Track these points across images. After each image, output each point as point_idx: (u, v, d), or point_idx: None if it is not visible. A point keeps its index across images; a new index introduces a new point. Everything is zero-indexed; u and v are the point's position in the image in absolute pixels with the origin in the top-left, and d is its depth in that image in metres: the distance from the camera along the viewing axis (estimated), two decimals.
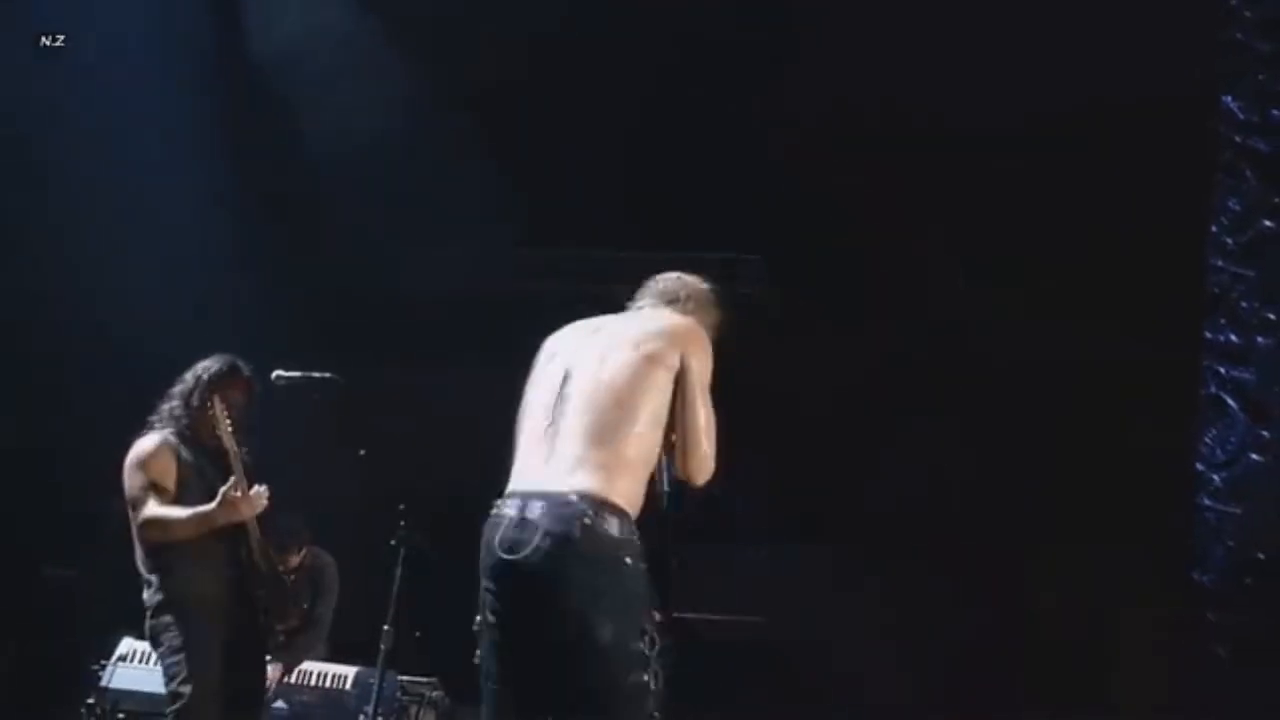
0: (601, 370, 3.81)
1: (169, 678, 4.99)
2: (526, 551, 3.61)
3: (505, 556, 3.65)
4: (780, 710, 7.09)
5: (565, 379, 3.85)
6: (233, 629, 5.04)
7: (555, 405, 3.81)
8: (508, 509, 3.72)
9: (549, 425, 3.78)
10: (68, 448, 7.37)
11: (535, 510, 3.65)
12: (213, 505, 4.97)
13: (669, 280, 4.24)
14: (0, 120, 7.43)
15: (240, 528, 5.07)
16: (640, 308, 4.19)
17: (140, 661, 6.06)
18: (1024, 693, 7.01)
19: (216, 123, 7.78)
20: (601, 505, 3.64)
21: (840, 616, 7.20)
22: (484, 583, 3.75)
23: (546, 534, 3.61)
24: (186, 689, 4.92)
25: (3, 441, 7.99)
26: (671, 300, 4.15)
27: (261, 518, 5.18)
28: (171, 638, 4.99)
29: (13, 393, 7.77)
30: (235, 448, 5.03)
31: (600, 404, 3.75)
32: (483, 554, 3.74)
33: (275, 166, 7.89)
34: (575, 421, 3.75)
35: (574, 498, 3.64)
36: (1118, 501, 7.19)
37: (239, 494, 4.97)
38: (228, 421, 5.03)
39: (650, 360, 3.80)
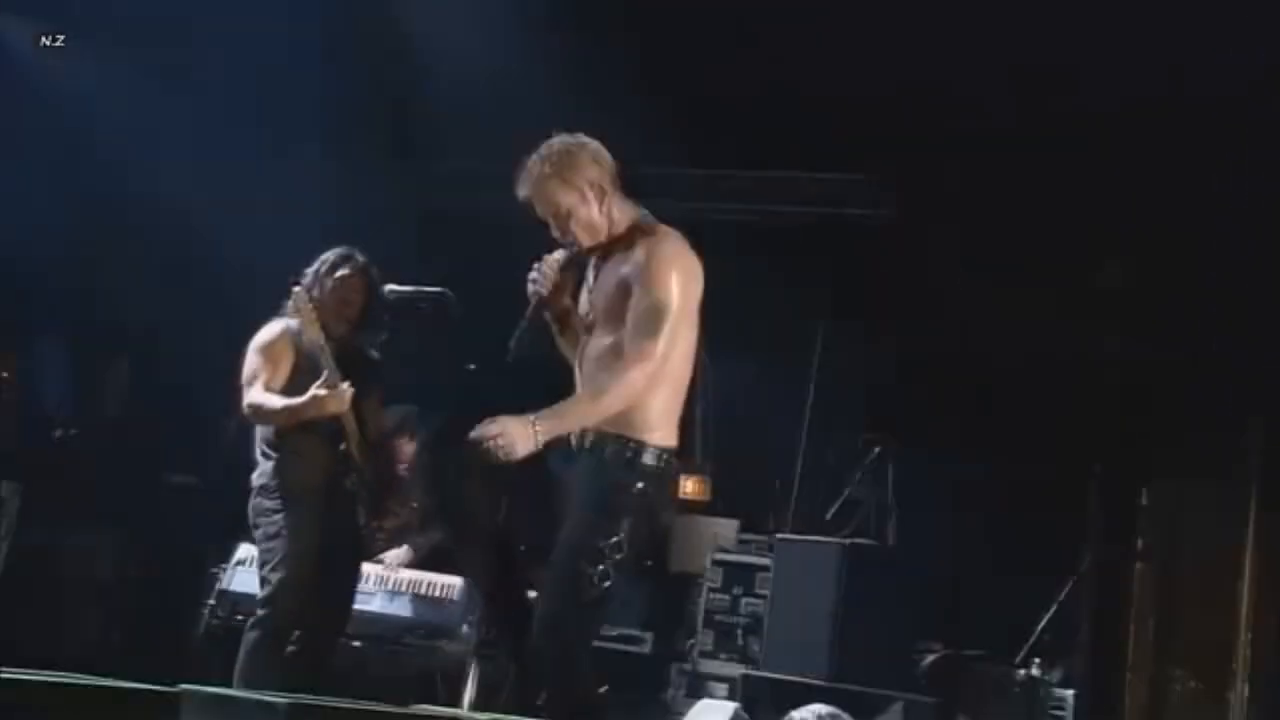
0: None
1: (261, 563, 5.11)
2: None
3: None
4: None
5: None
6: (330, 522, 5.12)
7: None
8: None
9: None
10: (191, 359, 7.54)
11: None
12: (302, 399, 5.02)
13: None
14: None
15: (338, 422, 5.11)
16: None
17: (249, 565, 6.13)
18: None
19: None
20: None
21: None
22: (650, 525, 4.08)
23: None
24: (276, 575, 5.02)
25: (130, 358, 8.29)
26: None
27: (368, 417, 5.24)
28: (268, 523, 5.09)
29: (140, 311, 8.00)
30: (324, 343, 5.04)
31: None
32: (662, 501, 4.08)
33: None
34: None
35: None
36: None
37: (327, 390, 4.99)
38: (314, 316, 5.05)
39: None
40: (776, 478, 7.98)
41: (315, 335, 5.05)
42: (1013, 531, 7.24)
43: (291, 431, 5.12)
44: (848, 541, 6.90)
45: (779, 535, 7.20)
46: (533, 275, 4.10)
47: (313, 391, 5.00)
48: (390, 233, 6.93)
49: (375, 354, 5.41)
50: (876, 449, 7.67)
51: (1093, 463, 6.96)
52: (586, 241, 4.08)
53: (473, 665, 5.85)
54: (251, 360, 5.17)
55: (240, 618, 6.17)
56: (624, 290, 3.97)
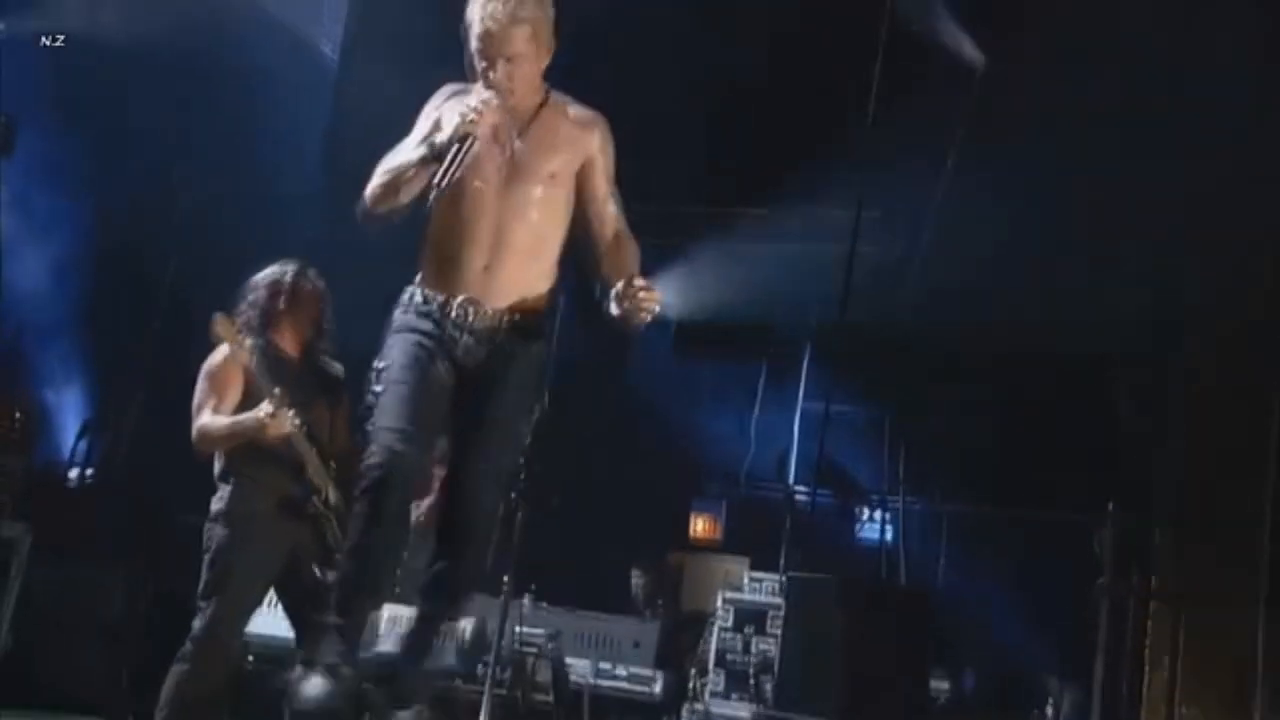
0: None
1: (200, 590, 4.90)
2: None
3: None
4: None
5: None
6: (291, 546, 4.95)
7: None
8: None
9: None
10: None
11: None
12: (242, 417, 4.88)
13: None
14: None
15: (292, 446, 4.93)
16: None
17: (268, 607, 6.13)
18: None
19: None
20: None
21: None
22: None
23: None
24: (206, 605, 4.86)
25: (144, 406, 8.29)
26: None
27: (330, 435, 5.09)
28: (214, 551, 4.91)
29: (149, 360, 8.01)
30: (254, 366, 4.88)
31: None
32: None
33: None
34: None
35: None
36: None
37: (271, 414, 4.80)
38: (240, 337, 4.92)
39: None
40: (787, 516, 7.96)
41: (246, 358, 4.89)
42: (1025, 570, 7.21)
43: (246, 457, 4.95)
44: (859, 580, 6.88)
45: (790, 573, 7.17)
46: (467, 113, 3.98)
47: (254, 415, 4.84)
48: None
49: (338, 369, 5.23)
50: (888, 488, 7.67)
51: (1106, 501, 6.94)
52: (521, 94, 4.08)
53: (485, 703, 5.84)
54: (200, 387, 5.02)
55: (251, 659, 6.21)
56: (578, 159, 4.11)
